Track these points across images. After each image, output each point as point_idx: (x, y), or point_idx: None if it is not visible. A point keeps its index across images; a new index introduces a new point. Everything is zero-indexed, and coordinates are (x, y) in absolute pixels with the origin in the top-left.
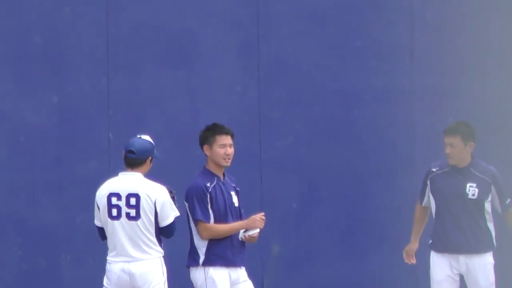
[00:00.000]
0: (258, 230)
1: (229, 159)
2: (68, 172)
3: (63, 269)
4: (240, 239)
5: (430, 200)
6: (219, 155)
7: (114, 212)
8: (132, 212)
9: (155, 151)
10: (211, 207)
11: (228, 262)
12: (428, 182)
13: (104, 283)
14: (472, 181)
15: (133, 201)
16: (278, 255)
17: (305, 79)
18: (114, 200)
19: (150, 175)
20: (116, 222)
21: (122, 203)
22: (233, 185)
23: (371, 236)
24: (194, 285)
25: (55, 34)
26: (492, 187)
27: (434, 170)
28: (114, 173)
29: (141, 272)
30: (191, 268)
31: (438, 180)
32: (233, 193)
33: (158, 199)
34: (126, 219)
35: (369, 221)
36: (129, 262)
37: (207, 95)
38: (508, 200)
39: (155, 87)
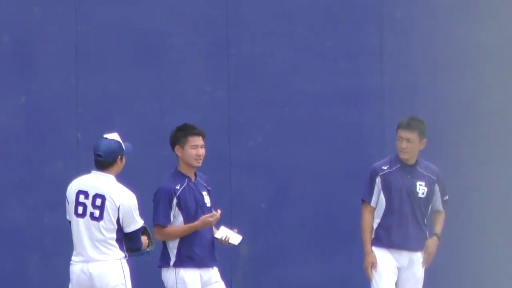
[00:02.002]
0: (240, 238)
1: (200, 159)
2: (36, 172)
3: (30, 269)
4: (218, 240)
5: (378, 199)
6: (191, 156)
7: (80, 209)
8: (96, 213)
9: (125, 148)
10: (180, 209)
11: (198, 263)
12: (378, 180)
13: (70, 286)
14: (421, 180)
15: (98, 202)
16: (247, 256)
17: (275, 80)
18: (81, 198)
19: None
20: (80, 220)
21: (88, 202)
22: (205, 184)
23: (340, 236)
24: (165, 286)
25: (24, 33)
26: (436, 184)
27: (384, 168)
28: (83, 173)
29: (99, 273)
30: (162, 269)
31: (389, 178)
32: (204, 193)
33: (123, 205)
34: (90, 219)
35: (338, 222)
36: (87, 262)
37: (176, 95)
38: (447, 197)
39: (124, 87)
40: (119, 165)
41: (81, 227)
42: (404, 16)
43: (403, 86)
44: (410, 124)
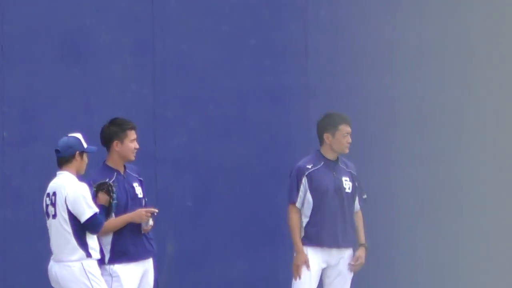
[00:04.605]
0: (151, 222)
1: (135, 153)
2: None
3: None
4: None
5: (304, 198)
6: (130, 150)
7: (46, 211)
8: (53, 211)
9: (85, 145)
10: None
11: (132, 257)
12: (305, 180)
13: None
14: (345, 175)
15: (53, 199)
16: (172, 254)
17: (200, 77)
18: (46, 200)
19: None
20: (48, 221)
21: (48, 201)
22: (136, 175)
23: (266, 234)
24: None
25: None
26: (356, 181)
27: (309, 167)
28: (8, 172)
29: (62, 275)
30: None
31: (316, 176)
32: (136, 184)
33: (69, 195)
34: (51, 218)
35: (264, 219)
36: (55, 262)
37: (101, 93)
38: (365, 195)
39: (49, 85)
40: (79, 161)
41: (49, 228)
42: (329, 15)
43: (328, 85)
44: (348, 118)
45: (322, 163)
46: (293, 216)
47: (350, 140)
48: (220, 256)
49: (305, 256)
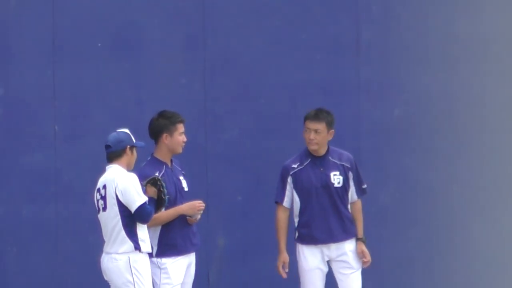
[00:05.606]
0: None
1: (183, 146)
2: (14, 164)
3: (8, 262)
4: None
5: (292, 198)
6: (179, 143)
7: (97, 206)
8: (103, 204)
9: (134, 140)
10: None
11: (180, 250)
12: (290, 180)
13: None
14: (334, 170)
15: (103, 192)
16: (223, 248)
17: (251, 72)
18: (97, 195)
19: None
20: (99, 215)
21: (99, 196)
22: (179, 169)
23: None
24: (152, 275)
25: (1, 26)
26: (350, 172)
27: (295, 166)
28: (59, 166)
29: (108, 268)
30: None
31: (301, 175)
32: (181, 177)
33: (119, 186)
34: (102, 211)
35: None
36: (105, 254)
37: (152, 88)
38: (365, 185)
39: (100, 79)
40: (129, 156)
41: (100, 222)
42: (380, 9)
43: (379, 79)
44: (318, 115)
45: (309, 160)
46: (278, 216)
47: (314, 136)
48: (270, 250)
49: (285, 257)
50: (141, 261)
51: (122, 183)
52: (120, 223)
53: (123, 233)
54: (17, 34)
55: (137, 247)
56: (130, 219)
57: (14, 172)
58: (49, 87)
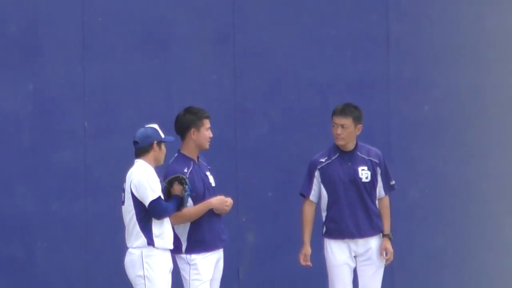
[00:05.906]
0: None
1: (209, 142)
2: (43, 160)
3: (38, 257)
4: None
5: (320, 192)
6: (206, 139)
7: (122, 199)
8: (123, 197)
9: (162, 135)
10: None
11: (209, 246)
12: (317, 174)
13: None
14: (362, 165)
15: (124, 186)
16: (253, 245)
17: (281, 68)
18: (123, 190)
19: None
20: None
21: (123, 190)
22: (205, 164)
23: None
24: (181, 271)
25: (31, 22)
26: (378, 168)
27: (323, 160)
28: (89, 161)
29: (125, 262)
30: (175, 255)
31: (328, 169)
32: (208, 173)
33: (134, 180)
34: (122, 205)
35: None
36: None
37: (182, 84)
38: (393, 181)
39: (130, 75)
40: (157, 151)
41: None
42: (410, 5)
43: (409, 75)
44: (345, 110)
45: (337, 154)
46: (304, 210)
47: (341, 131)
48: (300, 246)
49: (307, 249)
50: (155, 256)
51: (137, 177)
52: (134, 217)
53: (137, 227)
54: (47, 31)
55: (150, 243)
56: (145, 214)
57: (44, 169)
58: (79, 83)
